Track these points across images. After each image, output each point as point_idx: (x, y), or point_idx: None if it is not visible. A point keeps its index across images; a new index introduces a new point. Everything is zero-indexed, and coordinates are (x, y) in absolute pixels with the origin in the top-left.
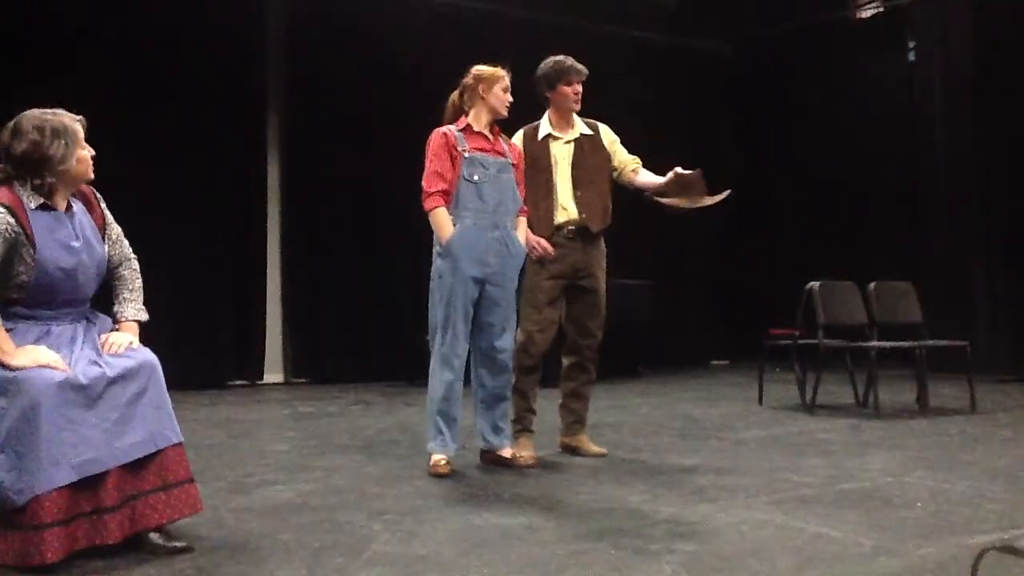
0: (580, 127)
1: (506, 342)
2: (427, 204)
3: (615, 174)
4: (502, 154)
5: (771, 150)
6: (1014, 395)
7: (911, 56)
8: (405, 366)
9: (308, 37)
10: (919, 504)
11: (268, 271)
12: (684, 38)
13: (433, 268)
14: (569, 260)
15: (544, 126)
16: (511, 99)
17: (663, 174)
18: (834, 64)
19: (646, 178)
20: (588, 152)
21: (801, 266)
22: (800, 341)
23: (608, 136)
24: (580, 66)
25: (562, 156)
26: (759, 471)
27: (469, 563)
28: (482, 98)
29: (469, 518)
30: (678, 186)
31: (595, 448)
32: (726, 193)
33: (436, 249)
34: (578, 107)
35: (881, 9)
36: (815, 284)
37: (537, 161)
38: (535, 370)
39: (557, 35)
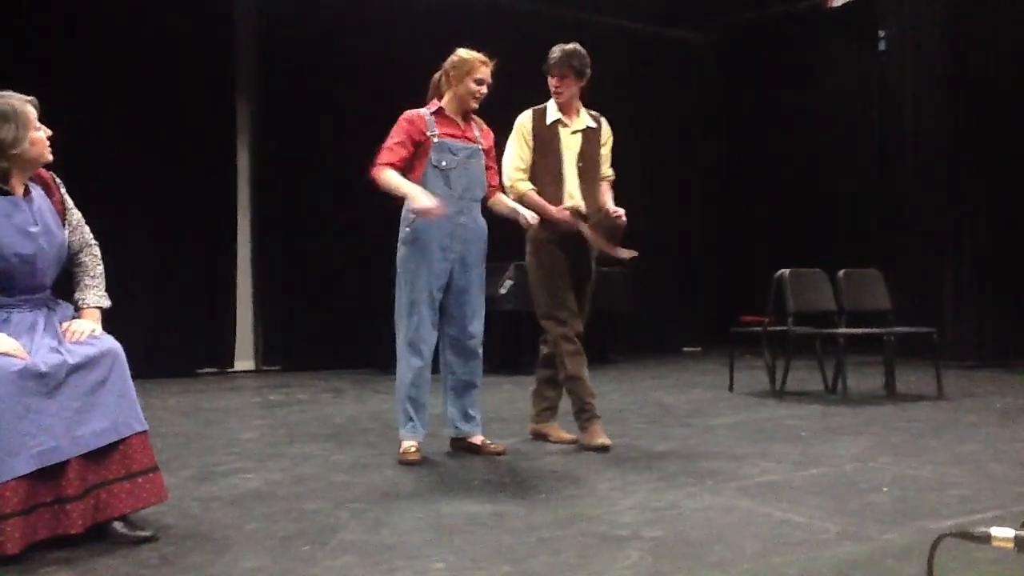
0: (586, 118)
1: (477, 328)
2: (374, 172)
3: None
4: (472, 140)
5: (743, 139)
6: (980, 382)
7: (882, 45)
8: (376, 354)
9: (277, 19)
10: (884, 489)
11: (238, 258)
12: (658, 27)
13: (398, 254)
14: (572, 243)
15: (552, 111)
16: (484, 91)
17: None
18: (806, 54)
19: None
20: (593, 145)
21: (772, 254)
22: (770, 328)
23: (605, 133)
24: (556, 55)
25: (569, 145)
26: (728, 457)
27: (437, 551)
28: (452, 87)
29: (437, 506)
30: (598, 226)
31: (565, 435)
32: (629, 255)
33: (401, 235)
34: (560, 99)
35: None
36: (785, 272)
37: (547, 145)
38: (581, 352)
39: (533, 23)
